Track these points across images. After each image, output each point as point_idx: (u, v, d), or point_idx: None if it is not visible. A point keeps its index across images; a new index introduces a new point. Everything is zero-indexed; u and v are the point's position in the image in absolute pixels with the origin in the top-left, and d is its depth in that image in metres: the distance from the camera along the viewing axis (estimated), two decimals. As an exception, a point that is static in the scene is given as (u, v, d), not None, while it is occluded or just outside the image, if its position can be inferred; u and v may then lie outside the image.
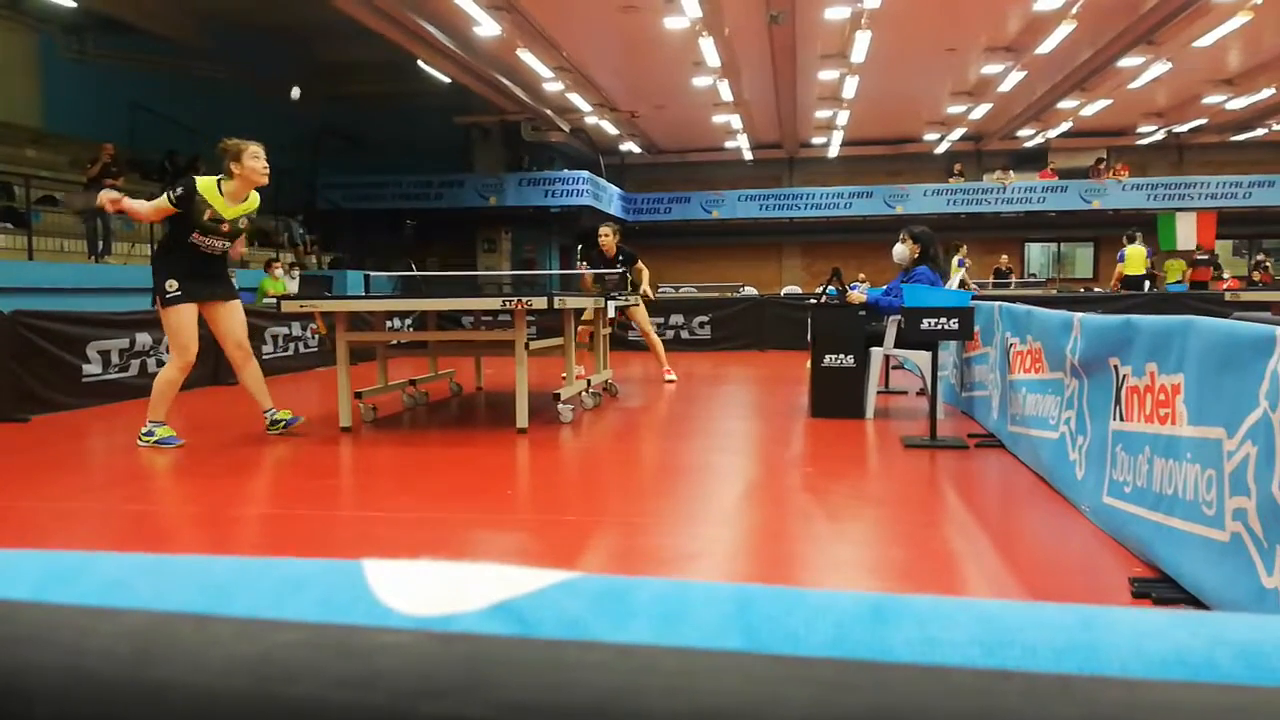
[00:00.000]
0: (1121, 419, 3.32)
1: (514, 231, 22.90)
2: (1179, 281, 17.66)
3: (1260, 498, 2.32)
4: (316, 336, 10.80)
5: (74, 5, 14.63)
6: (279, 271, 13.67)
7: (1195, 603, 2.59)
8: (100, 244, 13.28)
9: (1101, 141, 24.08)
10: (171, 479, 4.74)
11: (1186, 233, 21.53)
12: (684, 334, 13.14)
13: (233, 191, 5.38)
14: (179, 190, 5.30)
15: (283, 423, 5.70)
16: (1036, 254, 25.81)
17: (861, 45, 15.16)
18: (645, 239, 25.12)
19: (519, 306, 5.51)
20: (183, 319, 5.38)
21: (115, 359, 7.39)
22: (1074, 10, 13.75)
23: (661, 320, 13.28)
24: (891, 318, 6.00)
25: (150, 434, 5.39)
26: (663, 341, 13.23)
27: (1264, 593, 2.29)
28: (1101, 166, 23.84)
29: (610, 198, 23.43)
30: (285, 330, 9.69)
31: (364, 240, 20.78)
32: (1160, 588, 2.72)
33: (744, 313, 13.32)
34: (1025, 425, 4.61)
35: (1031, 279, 22.85)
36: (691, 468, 4.91)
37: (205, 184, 5.36)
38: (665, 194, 25.23)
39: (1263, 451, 2.31)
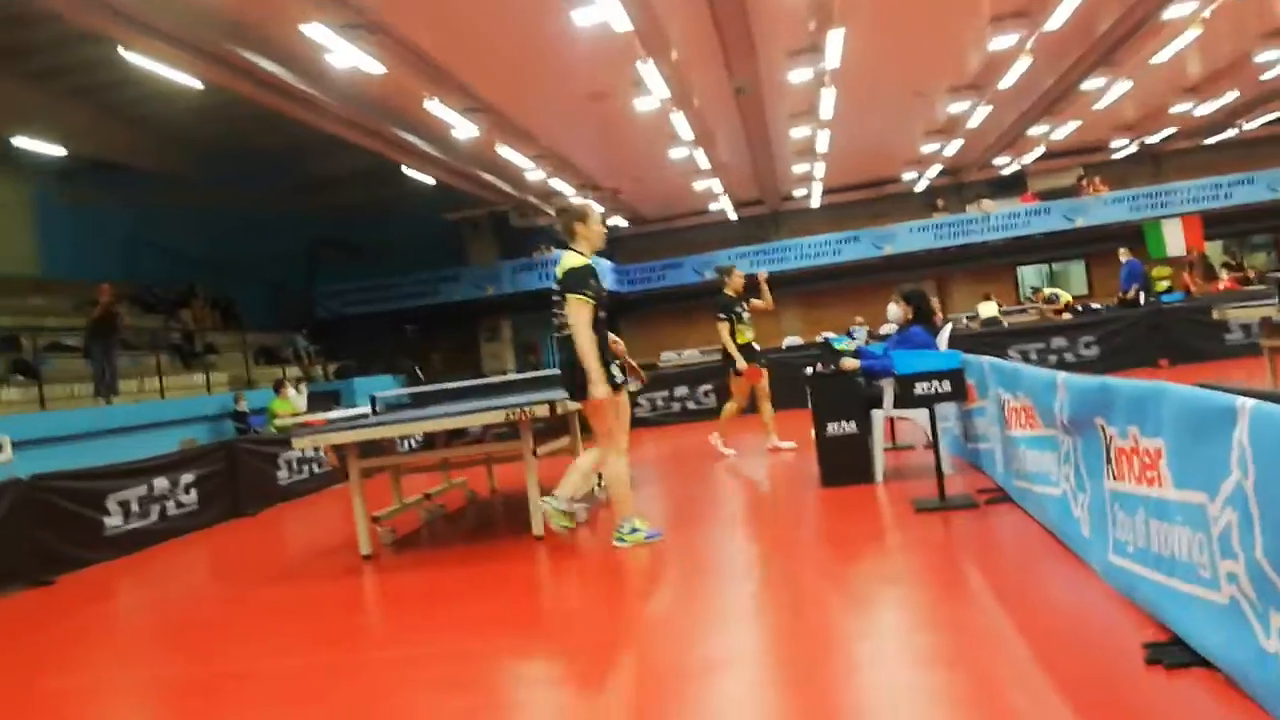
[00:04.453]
0: (1114, 478, 3.39)
1: (514, 317, 23.16)
2: (1170, 290, 17.77)
3: (1247, 563, 2.38)
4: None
5: (64, 153, 15.11)
6: (290, 391, 13.83)
7: (1207, 665, 2.63)
8: (105, 384, 13.39)
9: (1077, 160, 24.40)
10: (197, 634, 4.81)
11: (1174, 239, 21.69)
12: (690, 405, 13.22)
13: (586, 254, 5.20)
14: (589, 280, 5.05)
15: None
16: (1030, 276, 25.96)
17: (828, 102, 15.52)
18: (642, 308, 25.38)
19: (523, 418, 5.61)
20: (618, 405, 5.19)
21: (135, 507, 7.51)
22: (1029, 45, 14.11)
23: (666, 393, 13.38)
24: (887, 380, 6.09)
25: (635, 530, 5.16)
26: (670, 415, 13.38)
27: (1265, 657, 2.34)
28: (1082, 184, 24.14)
29: (603, 272, 23.68)
30: (298, 454, 9.81)
31: (368, 344, 21.06)
32: (1172, 652, 2.75)
33: (747, 376, 13.39)
34: (1029, 481, 4.67)
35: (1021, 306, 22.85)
36: (711, 562, 4.96)
37: (584, 260, 5.14)
38: (657, 262, 25.51)
39: (1242, 518, 2.38)
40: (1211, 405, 2.54)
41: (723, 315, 8.39)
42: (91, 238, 16.80)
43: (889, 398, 6.12)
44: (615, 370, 5.15)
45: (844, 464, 6.25)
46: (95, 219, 16.93)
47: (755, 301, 8.67)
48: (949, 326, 7.00)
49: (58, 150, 14.93)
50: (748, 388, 8.47)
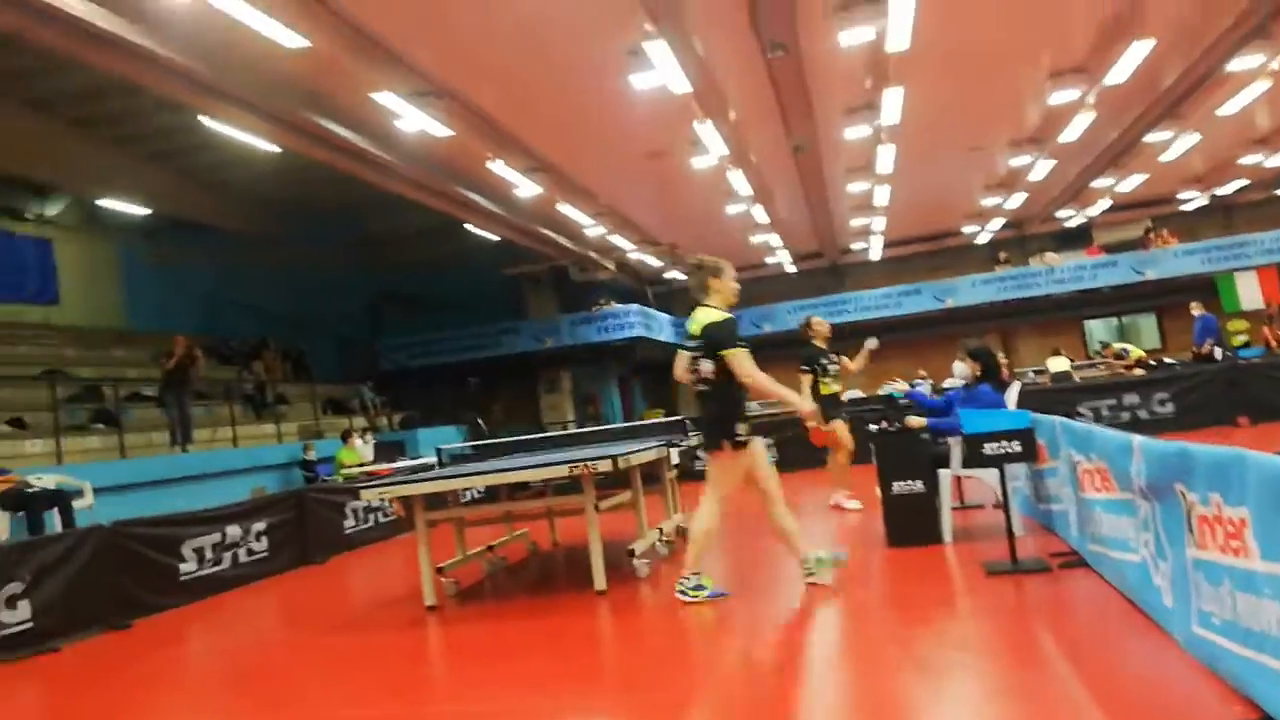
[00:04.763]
0: (1197, 547, 3.29)
1: (573, 369, 23.39)
2: (1247, 345, 17.21)
3: (1345, 640, 2.30)
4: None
5: (148, 213, 15.89)
6: (357, 441, 14.13)
7: (1303, 746, 2.53)
8: (179, 433, 13.74)
9: (1145, 212, 23.97)
10: (266, 682, 4.90)
11: (1249, 292, 21.08)
12: (749, 459, 13.11)
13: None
14: (735, 330, 5.05)
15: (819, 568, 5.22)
16: (1099, 330, 25.39)
17: (886, 158, 15.58)
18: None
19: (585, 471, 5.66)
20: (749, 462, 5.17)
21: (209, 554, 7.72)
22: (1090, 100, 14.02)
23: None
24: (954, 438, 6.01)
25: (701, 587, 5.19)
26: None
27: (1367, 740, 2.25)
28: (1150, 236, 23.66)
29: (661, 325, 23.89)
30: (364, 504, 10.00)
31: (431, 395, 21.43)
32: (1264, 732, 2.66)
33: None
34: (1105, 546, 4.55)
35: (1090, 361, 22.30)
36: (775, 621, 4.91)
37: (723, 314, 5.13)
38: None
39: (1338, 593, 2.31)
40: (1297, 474, 2.48)
41: (805, 367, 8.05)
42: (174, 293, 17.51)
43: (957, 456, 6.03)
44: (741, 427, 5.12)
45: (911, 523, 6.15)
46: (177, 275, 17.68)
47: (844, 361, 8.33)
48: (1018, 385, 6.90)
49: (142, 210, 15.73)
50: (841, 433, 8.05)
